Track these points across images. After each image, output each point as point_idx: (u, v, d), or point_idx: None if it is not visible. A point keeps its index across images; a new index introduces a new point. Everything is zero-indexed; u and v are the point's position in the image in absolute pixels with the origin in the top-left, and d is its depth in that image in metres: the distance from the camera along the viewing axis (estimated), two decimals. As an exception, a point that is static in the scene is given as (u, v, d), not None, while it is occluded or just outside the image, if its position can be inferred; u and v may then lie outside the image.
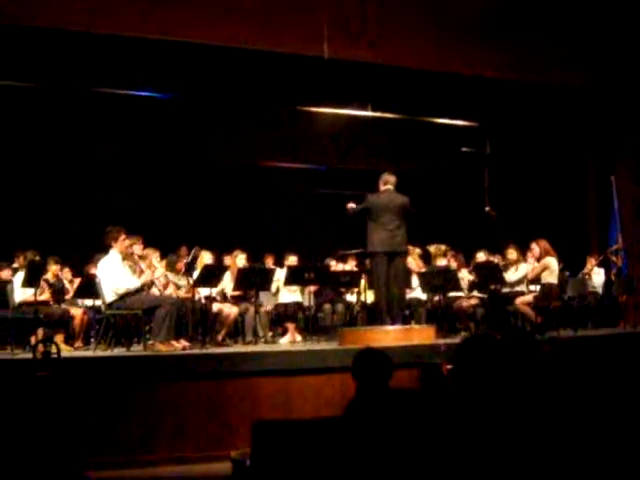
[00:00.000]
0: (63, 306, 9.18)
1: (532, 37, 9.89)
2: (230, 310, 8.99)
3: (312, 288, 9.86)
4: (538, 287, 9.52)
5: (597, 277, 11.09)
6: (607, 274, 11.29)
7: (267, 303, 9.95)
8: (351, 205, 8.38)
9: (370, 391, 3.70)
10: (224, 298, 9.42)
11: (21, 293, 8.64)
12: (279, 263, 10.43)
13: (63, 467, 5.07)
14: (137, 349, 7.97)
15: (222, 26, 8.70)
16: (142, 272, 8.10)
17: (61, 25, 8.15)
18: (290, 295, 10.04)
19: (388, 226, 8.09)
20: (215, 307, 8.84)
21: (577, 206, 13.29)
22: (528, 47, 9.95)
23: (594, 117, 11.86)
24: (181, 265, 9.12)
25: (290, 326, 9.85)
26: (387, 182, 8.36)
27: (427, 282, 9.58)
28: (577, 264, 11.24)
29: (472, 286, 10.05)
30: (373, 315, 8.76)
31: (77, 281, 9.39)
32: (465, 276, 10.05)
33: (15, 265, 9.20)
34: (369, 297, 9.65)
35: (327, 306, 10.13)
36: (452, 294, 9.81)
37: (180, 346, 7.63)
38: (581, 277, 10.91)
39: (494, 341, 2.02)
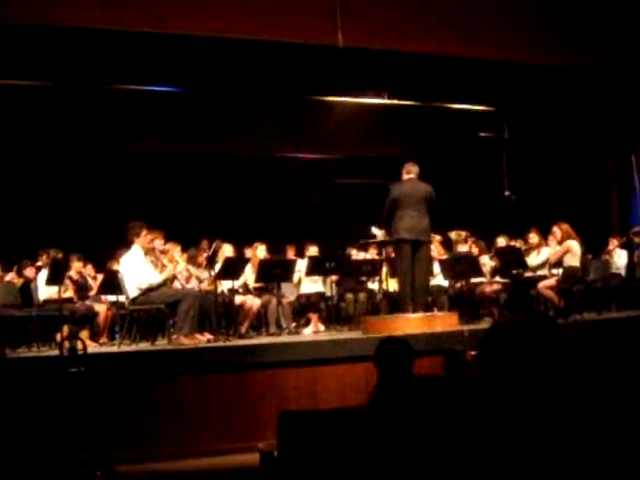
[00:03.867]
0: (87, 303, 9.27)
1: (547, 19, 9.79)
2: (253, 302, 9.01)
3: (334, 278, 9.88)
4: (560, 270, 9.46)
5: (619, 259, 10.98)
6: (630, 255, 11.19)
7: (289, 294, 9.97)
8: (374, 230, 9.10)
9: (392, 379, 3.71)
10: (246, 290, 9.45)
11: (45, 291, 8.74)
12: (300, 254, 10.44)
13: (90, 461, 5.12)
14: (161, 343, 8.03)
15: (236, 18, 8.69)
16: (164, 267, 8.12)
17: (67, 23, 8.17)
18: (312, 285, 10.06)
19: (413, 214, 8.05)
20: (238, 299, 8.86)
21: (598, 187, 13.17)
22: (543, 29, 9.86)
23: (613, 98, 11.73)
24: (202, 258, 9.17)
25: (313, 316, 9.88)
26: (410, 171, 8.35)
27: (449, 269, 9.56)
28: (599, 246, 11.15)
29: (494, 271, 10.01)
30: (395, 303, 8.76)
31: (100, 277, 9.47)
32: (487, 262, 10.01)
33: (39, 263, 9.30)
34: (391, 285, 9.65)
35: (349, 295, 10.14)
36: (474, 280, 9.79)
37: (204, 339, 7.67)
38: (604, 259, 10.82)
39: (523, 327, 2.00)
